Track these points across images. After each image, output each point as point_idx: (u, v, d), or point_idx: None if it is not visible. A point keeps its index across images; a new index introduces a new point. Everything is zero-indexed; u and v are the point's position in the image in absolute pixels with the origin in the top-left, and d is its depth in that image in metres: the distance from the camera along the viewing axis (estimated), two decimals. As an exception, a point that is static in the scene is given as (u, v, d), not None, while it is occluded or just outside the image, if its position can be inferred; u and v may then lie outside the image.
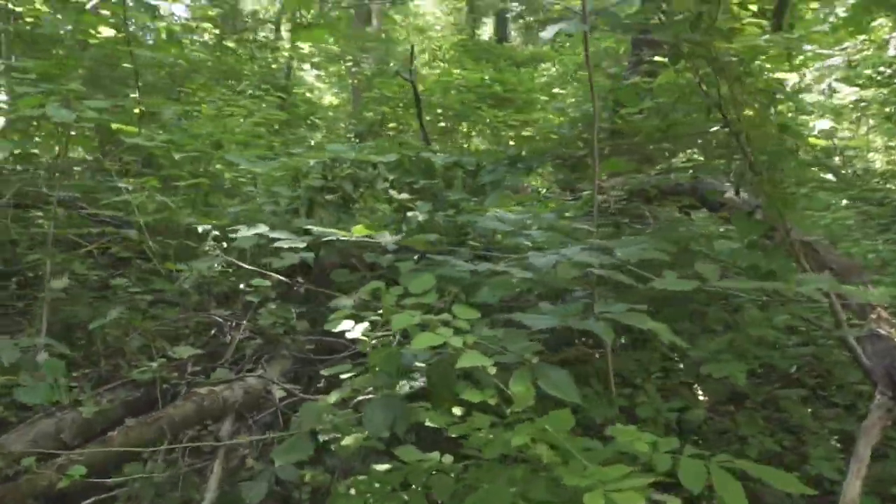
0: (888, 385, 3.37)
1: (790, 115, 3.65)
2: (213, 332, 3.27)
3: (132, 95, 4.07)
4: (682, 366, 3.57)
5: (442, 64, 11.47)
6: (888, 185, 11.94)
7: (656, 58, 4.14)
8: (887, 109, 15.02)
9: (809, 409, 4.23)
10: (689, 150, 4.15)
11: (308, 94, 14.71)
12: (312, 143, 8.76)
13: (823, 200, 6.28)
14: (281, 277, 3.17)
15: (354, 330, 2.15)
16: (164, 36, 4.51)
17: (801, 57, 15.43)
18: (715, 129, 3.67)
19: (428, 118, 8.09)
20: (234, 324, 3.19)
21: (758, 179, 3.47)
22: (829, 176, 3.47)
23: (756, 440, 3.38)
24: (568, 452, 2.01)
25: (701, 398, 4.29)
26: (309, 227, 2.71)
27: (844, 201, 9.00)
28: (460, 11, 18.73)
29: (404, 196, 3.21)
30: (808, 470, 3.33)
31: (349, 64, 11.08)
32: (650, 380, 3.29)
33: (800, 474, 3.42)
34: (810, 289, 1.82)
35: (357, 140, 9.57)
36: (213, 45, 14.34)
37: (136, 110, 3.87)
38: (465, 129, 8.46)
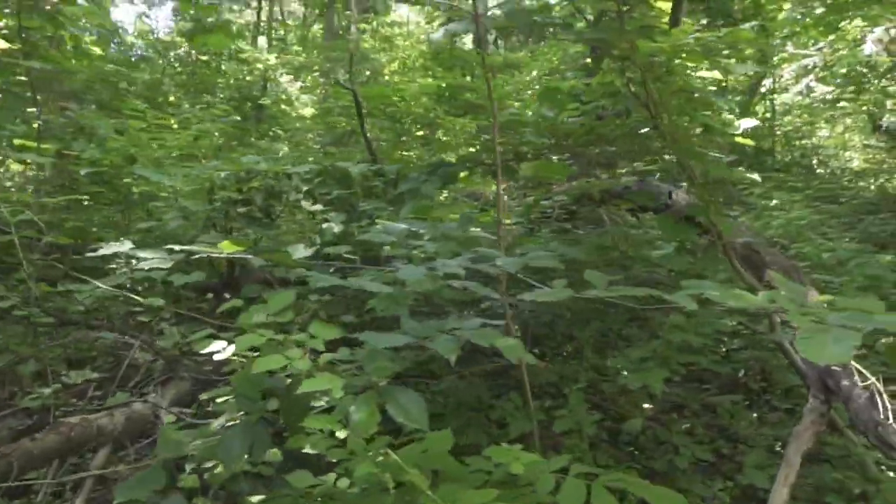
0: (820, 388, 3.27)
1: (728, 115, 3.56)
2: (118, 354, 3.15)
3: (30, 109, 3.96)
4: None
5: (411, 73, 11.40)
6: (861, 183, 11.93)
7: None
8: (864, 108, 15.07)
9: (755, 414, 4.15)
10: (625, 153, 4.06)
11: (284, 107, 14.62)
12: (280, 154, 8.67)
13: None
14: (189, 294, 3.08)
15: (225, 351, 2.04)
16: (70, 47, 4.39)
17: (776, 58, 15.50)
18: (645, 130, 3.58)
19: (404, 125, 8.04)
20: (137, 345, 3.06)
21: (687, 180, 3.38)
22: (756, 176, 3.37)
23: (688, 450, 3.28)
24: (444, 475, 1.91)
25: (647, 406, 4.21)
26: (191, 246, 2.59)
27: (813, 202, 8.97)
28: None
29: (317, 207, 3.12)
30: (740, 480, 3.23)
31: (315, 74, 11.00)
32: (574, 391, 3.18)
33: (733, 483, 3.33)
34: (681, 296, 1.71)
35: (322, 150, 9.48)
36: (181, 60, 14.27)
37: (35, 124, 3.76)
38: (442, 137, 8.40)
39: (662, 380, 2.83)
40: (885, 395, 3.40)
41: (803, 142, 16.39)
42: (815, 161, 15.45)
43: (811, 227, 6.17)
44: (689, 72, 3.23)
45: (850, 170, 14.44)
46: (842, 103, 15.42)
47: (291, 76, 14.30)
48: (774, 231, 6.07)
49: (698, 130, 3.24)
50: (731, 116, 3.23)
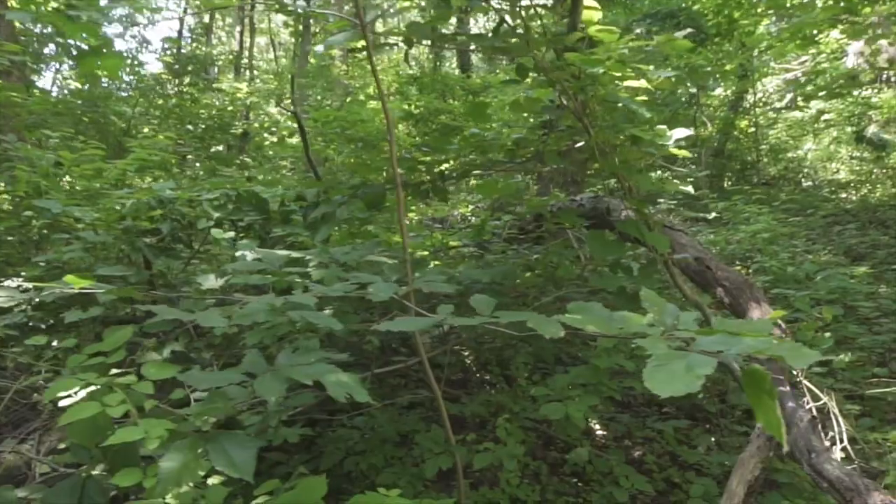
0: (767, 412, 3.09)
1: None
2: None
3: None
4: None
5: (392, 97, 11.33)
6: (843, 195, 11.80)
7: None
8: (850, 119, 15.02)
9: (713, 438, 3.95)
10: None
11: (266, 134, 14.57)
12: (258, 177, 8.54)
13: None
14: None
15: (76, 395, 1.87)
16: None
17: (756, 73, 15.47)
18: (580, 144, 3.44)
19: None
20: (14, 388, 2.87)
21: (620, 193, 3.23)
22: (690, 189, 3.22)
23: (628, 481, 3.08)
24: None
25: (601, 433, 4.01)
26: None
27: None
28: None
29: (229, 235, 2.96)
30: (684, 511, 3.04)
31: (287, 101, 10.94)
32: (500, 423, 2.99)
33: (681, 515, 3.13)
34: (547, 322, 1.54)
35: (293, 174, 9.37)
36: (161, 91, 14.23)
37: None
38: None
39: (586, 409, 2.64)
40: (839, 417, 3.22)
41: (789, 155, 16.31)
42: (802, 174, 15.37)
43: (779, 239, 6.01)
44: (616, 82, 3.10)
45: (835, 181, 14.33)
46: (825, 115, 15.40)
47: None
48: (737, 246, 5.91)
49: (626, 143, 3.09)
50: (663, 127, 3.07)
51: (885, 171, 13.34)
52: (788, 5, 12.00)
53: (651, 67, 2.83)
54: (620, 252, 3.03)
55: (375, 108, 9.85)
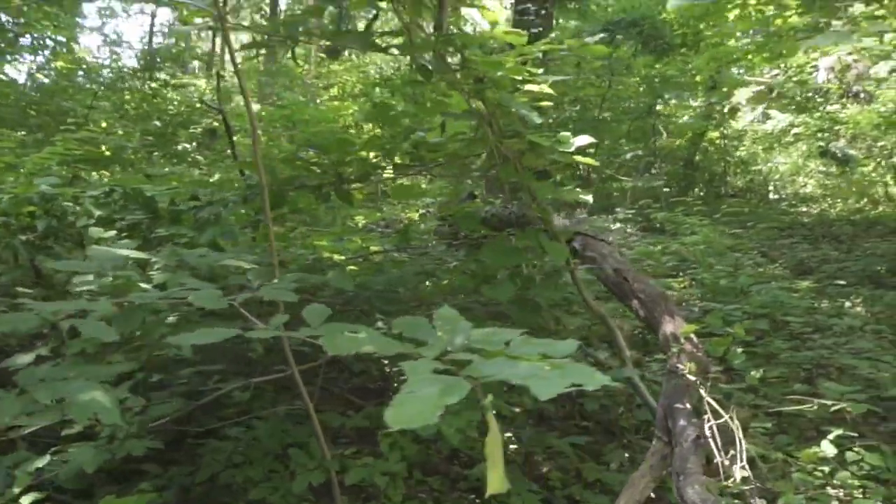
0: (663, 428, 3.01)
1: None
2: None
3: None
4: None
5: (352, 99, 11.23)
6: (802, 208, 11.83)
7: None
8: (818, 133, 15.10)
9: (626, 454, 3.87)
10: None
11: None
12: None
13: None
14: None
15: None
16: None
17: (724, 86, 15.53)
18: (483, 153, 3.34)
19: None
20: None
21: (522, 203, 3.15)
22: (588, 197, 3.14)
23: (519, 498, 2.98)
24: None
25: (513, 447, 3.91)
26: None
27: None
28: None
29: (110, 234, 2.84)
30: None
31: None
32: (383, 438, 2.88)
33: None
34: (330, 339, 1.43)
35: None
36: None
37: None
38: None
39: (462, 426, 2.54)
40: (741, 436, 3.14)
41: (758, 167, 16.38)
42: (768, 187, 15.44)
43: (723, 252, 5.95)
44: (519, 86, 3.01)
45: (801, 195, 14.40)
46: (795, 129, 15.48)
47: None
48: (672, 257, 5.85)
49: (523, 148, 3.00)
50: (567, 133, 2.98)
51: (848, 185, 13.43)
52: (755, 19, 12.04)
53: (561, 77, 2.73)
54: (518, 261, 2.93)
55: (337, 107, 9.74)
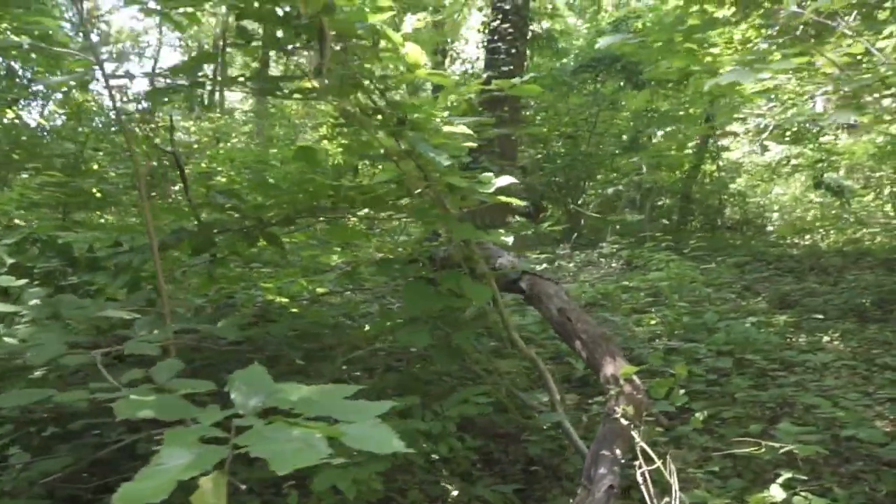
0: (588, 476, 2.91)
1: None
2: None
3: None
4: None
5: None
6: (794, 240, 11.70)
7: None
8: (818, 165, 15.03)
9: (571, 501, 3.74)
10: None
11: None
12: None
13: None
14: None
15: None
16: None
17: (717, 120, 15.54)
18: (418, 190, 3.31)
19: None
20: None
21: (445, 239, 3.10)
22: (509, 239, 3.08)
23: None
24: None
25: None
26: None
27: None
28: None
29: (21, 282, 2.82)
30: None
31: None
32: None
33: None
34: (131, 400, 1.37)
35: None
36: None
37: None
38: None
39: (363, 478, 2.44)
40: (675, 488, 3.02)
41: (755, 199, 16.30)
42: (764, 218, 15.32)
43: (686, 287, 5.83)
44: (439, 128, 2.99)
45: (798, 226, 14.25)
46: (794, 161, 15.44)
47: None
48: (630, 295, 5.75)
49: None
50: (489, 174, 2.95)
51: (846, 217, 13.30)
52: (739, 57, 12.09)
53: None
54: (437, 305, 2.87)
55: (261, 152, 9.75)
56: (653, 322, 5.35)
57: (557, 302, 3.96)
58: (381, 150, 2.81)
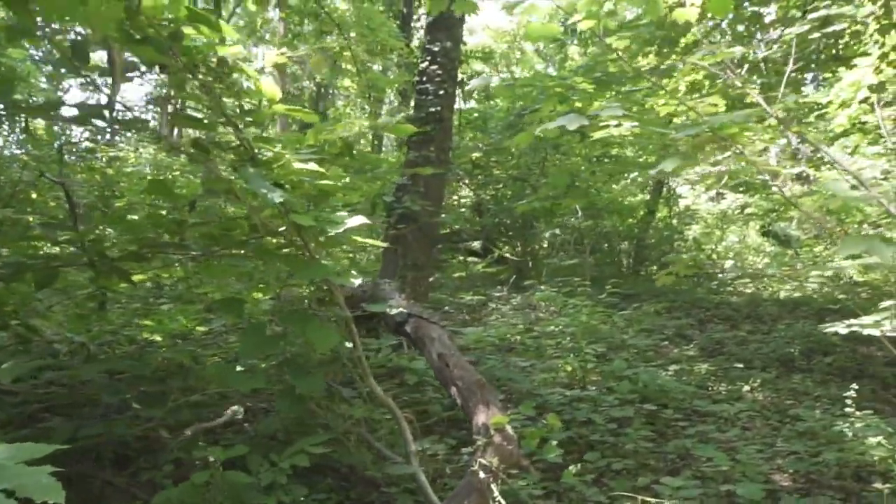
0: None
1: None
2: None
3: None
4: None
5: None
6: (740, 288, 11.73)
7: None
8: (773, 214, 15.22)
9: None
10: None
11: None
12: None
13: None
14: None
15: None
16: None
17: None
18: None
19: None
20: None
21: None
22: (356, 282, 2.97)
23: None
24: None
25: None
26: None
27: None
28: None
29: None
30: None
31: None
32: None
33: None
34: None
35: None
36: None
37: None
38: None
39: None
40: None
41: (709, 246, 16.43)
42: (718, 267, 15.39)
43: (596, 334, 5.71)
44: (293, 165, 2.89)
45: (744, 274, 14.34)
46: (748, 209, 15.62)
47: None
48: (534, 340, 5.63)
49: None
50: (342, 213, 2.85)
51: (790, 266, 13.41)
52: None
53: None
54: (273, 349, 2.73)
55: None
56: (567, 369, 5.22)
57: (438, 346, 3.84)
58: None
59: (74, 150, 13.65)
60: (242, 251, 2.90)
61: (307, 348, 2.94)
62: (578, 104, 3.56)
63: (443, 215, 12.59)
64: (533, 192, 10.62)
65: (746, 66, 4.94)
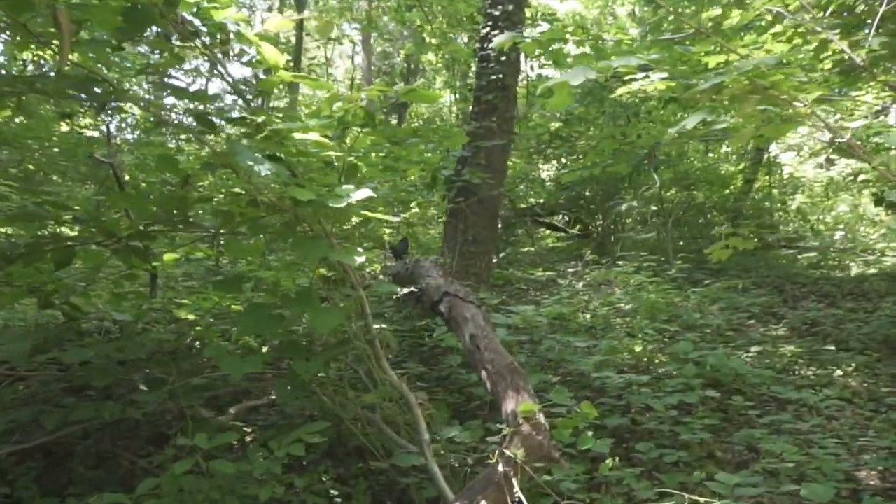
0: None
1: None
2: None
3: None
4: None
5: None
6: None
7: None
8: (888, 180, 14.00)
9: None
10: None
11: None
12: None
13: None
14: None
15: None
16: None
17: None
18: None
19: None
20: None
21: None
22: (360, 258, 2.77)
23: None
24: None
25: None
26: None
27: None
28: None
29: None
30: None
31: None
32: None
33: None
34: None
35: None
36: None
37: None
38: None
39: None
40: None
41: (815, 217, 15.28)
42: (822, 236, 14.28)
43: (660, 312, 5.24)
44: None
45: (857, 245, 13.20)
46: (862, 176, 14.44)
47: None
48: (588, 319, 5.22)
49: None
50: (350, 186, 2.67)
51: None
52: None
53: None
54: (273, 330, 2.59)
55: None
56: (636, 349, 4.85)
57: (471, 327, 3.62)
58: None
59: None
60: (249, 229, 2.77)
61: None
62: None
63: (524, 189, 12.24)
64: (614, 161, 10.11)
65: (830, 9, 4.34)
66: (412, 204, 7.15)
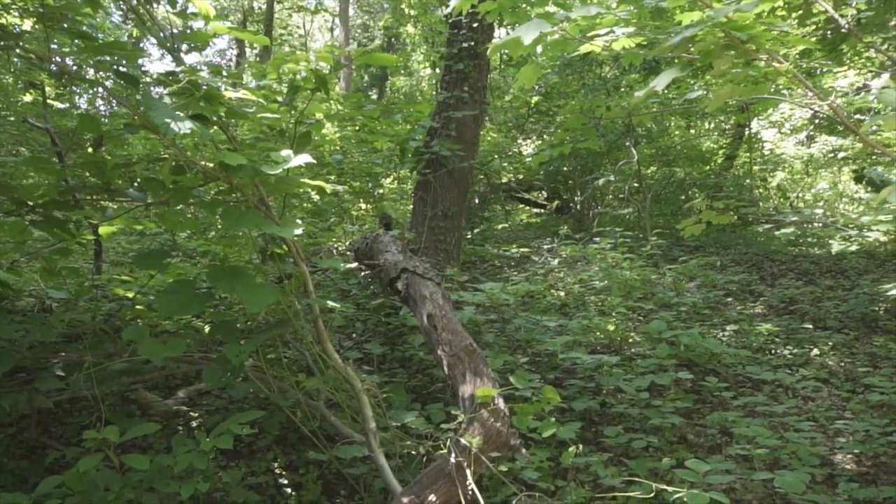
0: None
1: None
2: None
3: None
4: None
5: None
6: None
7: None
8: (870, 158, 14.00)
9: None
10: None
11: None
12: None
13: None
14: None
15: None
16: None
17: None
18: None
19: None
20: None
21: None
22: (298, 231, 2.53)
23: None
24: None
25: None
26: None
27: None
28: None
29: None
30: None
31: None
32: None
33: None
34: None
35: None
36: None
37: None
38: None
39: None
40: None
41: (794, 194, 15.19)
42: (801, 213, 14.19)
43: (635, 289, 5.04)
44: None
45: (835, 222, 13.10)
46: (842, 154, 14.36)
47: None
48: (553, 298, 5.02)
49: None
50: (287, 152, 2.41)
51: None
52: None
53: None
54: (197, 309, 2.34)
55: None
56: (609, 328, 4.65)
57: (429, 306, 3.39)
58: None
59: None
60: (172, 198, 2.50)
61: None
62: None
63: (501, 164, 11.95)
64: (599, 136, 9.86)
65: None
66: (381, 178, 6.88)
